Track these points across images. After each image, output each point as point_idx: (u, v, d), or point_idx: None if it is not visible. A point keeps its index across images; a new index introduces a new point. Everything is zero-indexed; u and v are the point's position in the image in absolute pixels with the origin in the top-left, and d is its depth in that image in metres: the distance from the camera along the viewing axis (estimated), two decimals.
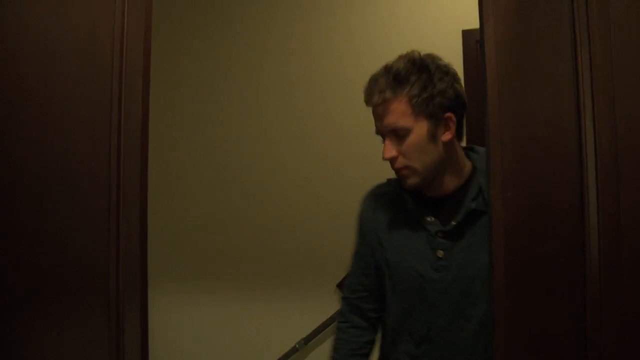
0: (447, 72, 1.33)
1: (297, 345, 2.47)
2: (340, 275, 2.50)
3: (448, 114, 1.28)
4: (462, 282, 1.28)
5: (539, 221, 0.88)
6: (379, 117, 1.32)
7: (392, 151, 1.29)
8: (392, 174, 1.36)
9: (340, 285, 2.49)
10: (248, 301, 2.67)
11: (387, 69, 1.34)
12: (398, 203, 1.40)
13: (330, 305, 2.48)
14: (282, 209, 2.63)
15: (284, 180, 2.64)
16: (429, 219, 1.33)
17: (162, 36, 2.87)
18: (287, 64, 2.65)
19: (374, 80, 1.34)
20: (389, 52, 2.49)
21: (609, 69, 0.87)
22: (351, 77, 2.55)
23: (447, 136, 1.29)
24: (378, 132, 1.35)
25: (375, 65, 2.48)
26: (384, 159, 1.31)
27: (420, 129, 1.26)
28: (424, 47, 2.43)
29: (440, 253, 1.31)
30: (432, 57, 1.37)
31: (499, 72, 0.87)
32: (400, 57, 1.36)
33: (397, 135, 1.28)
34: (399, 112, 1.26)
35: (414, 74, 1.29)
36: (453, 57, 2.39)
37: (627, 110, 0.87)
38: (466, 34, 2.36)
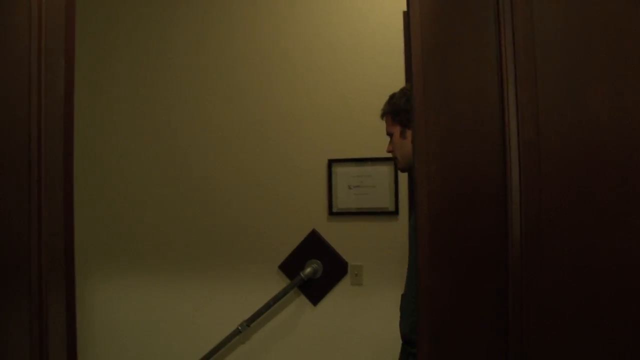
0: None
1: (239, 327, 2.45)
2: (282, 256, 2.50)
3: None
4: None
5: (462, 196, 0.89)
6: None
7: (389, 146, 1.92)
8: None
9: (282, 267, 2.49)
10: (190, 284, 2.63)
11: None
12: None
13: (272, 286, 2.48)
14: (223, 191, 2.60)
15: (225, 161, 2.60)
16: None
17: (101, 21, 2.76)
18: (230, 46, 2.60)
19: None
20: (333, 34, 2.50)
21: (531, 46, 0.88)
22: (294, 58, 2.53)
23: (411, 135, 1.83)
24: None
25: (318, 47, 2.49)
26: (387, 151, 1.95)
27: (396, 131, 1.87)
28: (367, 28, 2.45)
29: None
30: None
31: (423, 47, 0.87)
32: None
33: (389, 136, 1.90)
34: (388, 123, 1.91)
35: (395, 98, 1.88)
36: (394, 37, 2.42)
37: (548, 87, 0.88)
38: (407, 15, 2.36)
